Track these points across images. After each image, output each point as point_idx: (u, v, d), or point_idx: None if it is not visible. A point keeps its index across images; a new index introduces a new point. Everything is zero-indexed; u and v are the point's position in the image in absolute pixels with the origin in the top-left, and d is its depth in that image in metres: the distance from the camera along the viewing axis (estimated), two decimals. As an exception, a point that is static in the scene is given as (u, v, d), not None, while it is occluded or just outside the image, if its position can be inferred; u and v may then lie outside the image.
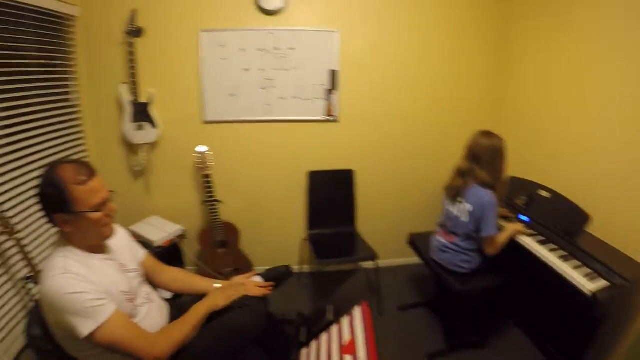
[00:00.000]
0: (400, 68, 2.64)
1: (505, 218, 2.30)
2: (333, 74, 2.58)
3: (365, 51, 2.60)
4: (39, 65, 2.15)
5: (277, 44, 2.52)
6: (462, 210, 2.01)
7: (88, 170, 1.21)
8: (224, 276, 2.49)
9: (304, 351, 1.40)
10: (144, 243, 2.39)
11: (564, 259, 1.85)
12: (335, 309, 1.94)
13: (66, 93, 2.42)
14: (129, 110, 2.46)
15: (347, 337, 1.37)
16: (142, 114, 2.48)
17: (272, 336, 1.59)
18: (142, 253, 1.59)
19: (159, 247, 2.41)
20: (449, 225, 2.12)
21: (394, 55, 2.62)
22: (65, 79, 2.41)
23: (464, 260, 2.06)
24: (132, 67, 2.42)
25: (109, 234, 1.29)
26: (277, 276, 1.84)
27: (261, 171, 2.68)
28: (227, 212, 2.62)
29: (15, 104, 1.94)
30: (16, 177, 1.91)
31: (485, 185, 1.94)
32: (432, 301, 2.56)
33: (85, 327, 1.10)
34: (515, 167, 2.82)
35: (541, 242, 2.03)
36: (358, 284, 2.78)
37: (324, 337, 1.43)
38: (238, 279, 1.67)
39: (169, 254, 2.48)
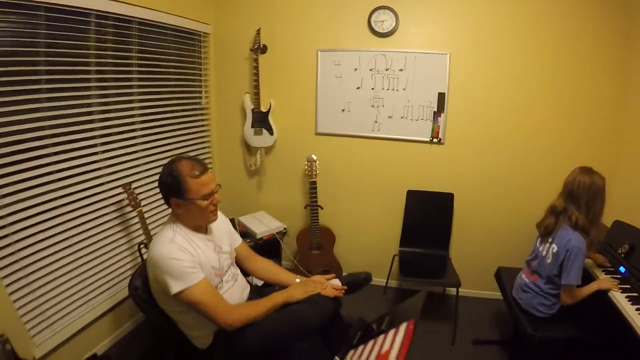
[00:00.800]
0: (512, 95, 2.57)
1: (602, 267, 2.16)
2: (441, 97, 2.62)
3: (475, 75, 2.58)
4: (177, 73, 2.59)
5: (388, 65, 2.63)
6: (548, 250, 1.93)
7: (201, 166, 1.47)
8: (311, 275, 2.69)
9: (350, 352, 1.54)
10: (248, 233, 2.72)
11: None
12: (391, 320, 2.00)
13: (198, 97, 2.81)
14: (250, 116, 2.76)
15: (386, 347, 1.47)
16: (261, 121, 2.77)
17: (334, 332, 1.75)
18: (238, 240, 1.83)
19: (260, 239, 2.70)
20: (533, 265, 2.05)
21: (505, 80, 2.56)
22: (199, 86, 2.80)
23: (542, 303, 1.97)
24: (256, 80, 2.72)
25: (213, 219, 1.55)
26: (356, 281, 2.03)
27: (363, 184, 2.83)
28: (326, 218, 2.83)
29: (155, 103, 2.43)
30: (148, 162, 2.40)
31: (579, 228, 1.82)
32: (507, 341, 2.46)
33: (176, 286, 1.34)
34: (624, 210, 2.65)
35: (632, 299, 1.86)
36: (439, 308, 2.81)
37: (370, 343, 1.55)
38: (317, 277, 1.83)
39: (269, 246, 2.77)
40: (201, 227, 1.56)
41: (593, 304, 1.94)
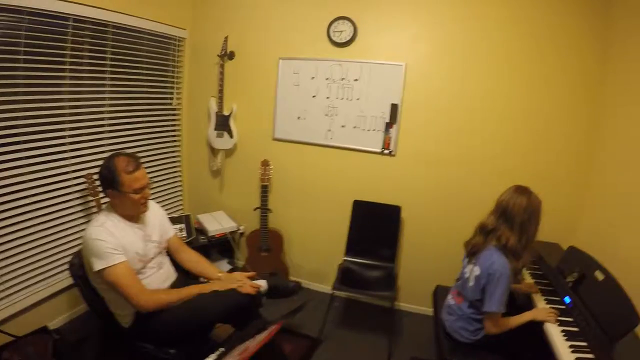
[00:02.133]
0: (467, 111, 2.51)
1: (546, 295, 2.04)
2: (394, 108, 2.60)
3: (430, 88, 2.55)
4: (150, 74, 2.76)
5: (344, 75, 2.66)
6: (471, 272, 1.84)
7: (135, 163, 1.62)
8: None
9: (237, 347, 1.57)
10: (203, 231, 2.84)
11: None
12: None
13: (170, 98, 2.99)
14: (214, 119, 2.90)
15: (250, 345, 1.51)
16: (223, 124, 2.89)
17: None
18: (171, 232, 1.96)
19: (213, 237, 2.81)
20: (458, 286, 1.96)
21: (462, 96, 2.50)
22: (171, 87, 2.98)
23: (465, 328, 1.87)
24: (221, 84, 2.85)
25: (143, 211, 1.73)
26: (282, 287, 2.09)
27: (315, 191, 2.86)
28: (278, 221, 2.89)
29: (126, 102, 2.62)
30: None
31: (509, 250, 1.70)
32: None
33: (98, 264, 1.50)
34: (583, 236, 2.50)
35: (568, 335, 1.74)
36: (384, 322, 2.75)
37: (250, 341, 1.58)
38: (238, 275, 1.90)
39: (222, 245, 2.89)
40: (133, 216, 1.71)
41: (524, 334, 1.83)
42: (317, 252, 2.95)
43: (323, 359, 2.39)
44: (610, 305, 1.74)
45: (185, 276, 1.98)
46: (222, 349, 1.50)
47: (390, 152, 2.65)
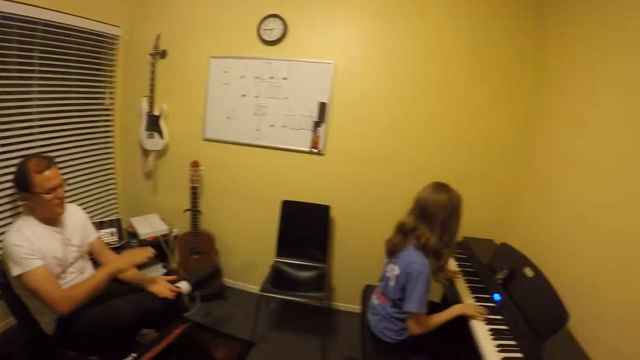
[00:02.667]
0: (397, 108, 2.50)
1: (476, 293, 2.02)
2: (322, 107, 2.57)
3: (359, 87, 2.53)
4: (81, 73, 2.67)
5: (273, 73, 2.62)
6: (392, 271, 1.81)
7: (46, 163, 1.61)
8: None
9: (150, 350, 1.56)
10: (133, 234, 2.78)
11: None
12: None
13: (103, 97, 2.90)
14: (144, 119, 2.83)
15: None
16: (154, 124, 2.83)
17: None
18: (92, 236, 1.92)
19: (144, 240, 2.74)
20: (382, 285, 1.93)
21: (393, 94, 2.50)
22: (103, 86, 2.90)
23: (389, 328, 1.84)
24: (151, 84, 2.79)
25: (59, 212, 1.68)
26: (204, 276, 2.11)
27: (245, 191, 2.82)
28: (210, 223, 2.84)
29: (56, 102, 2.53)
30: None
31: (429, 250, 1.69)
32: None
33: (15, 270, 1.48)
34: (519, 233, 2.49)
35: (495, 333, 1.70)
36: (320, 322, 2.72)
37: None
38: (160, 278, 1.92)
39: (155, 249, 2.78)
40: (50, 219, 1.67)
41: (451, 333, 1.80)
42: (251, 253, 2.91)
43: None
44: (539, 303, 1.72)
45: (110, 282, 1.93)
46: (134, 355, 1.49)
47: (318, 151, 2.62)
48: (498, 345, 1.60)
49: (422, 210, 1.71)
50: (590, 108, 1.87)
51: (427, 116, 2.49)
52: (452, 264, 2.37)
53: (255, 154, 2.73)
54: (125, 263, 1.77)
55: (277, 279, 2.52)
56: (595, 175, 1.78)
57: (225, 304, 2.88)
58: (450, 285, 2.17)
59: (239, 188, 2.82)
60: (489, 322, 1.76)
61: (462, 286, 2.13)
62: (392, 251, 1.82)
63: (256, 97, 2.67)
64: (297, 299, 2.39)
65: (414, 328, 1.72)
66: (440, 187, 1.73)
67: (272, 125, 2.67)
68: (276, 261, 2.68)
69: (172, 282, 1.97)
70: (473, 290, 2.07)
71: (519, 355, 1.55)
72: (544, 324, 1.59)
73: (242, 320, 2.55)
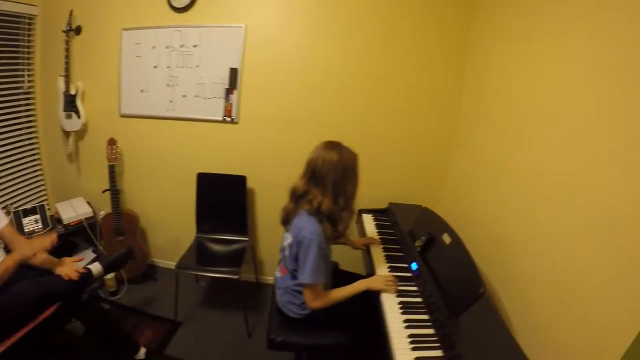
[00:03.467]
0: (316, 70, 2.38)
1: (392, 261, 1.89)
2: (233, 73, 2.45)
3: (273, 49, 2.40)
4: None
5: (183, 41, 2.51)
6: (287, 240, 1.66)
7: None
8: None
9: None
10: (57, 219, 2.70)
11: (415, 343, 1.36)
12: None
13: (22, 81, 2.82)
14: (62, 100, 2.74)
15: None
16: (71, 104, 2.73)
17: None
18: (2, 223, 1.85)
19: (68, 225, 2.66)
20: (282, 256, 1.80)
21: (309, 54, 2.37)
22: (22, 69, 2.80)
23: (291, 302, 1.71)
24: (66, 62, 2.68)
25: None
26: (117, 259, 2.05)
27: (164, 166, 2.72)
28: (133, 202, 2.75)
29: None
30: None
31: (323, 215, 1.52)
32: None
33: None
34: (446, 200, 2.38)
35: (406, 307, 1.55)
36: (248, 295, 2.63)
37: None
38: (67, 260, 1.89)
39: (80, 233, 2.73)
40: None
41: (361, 307, 1.68)
42: (177, 230, 2.81)
43: (182, 341, 2.29)
44: (455, 273, 1.58)
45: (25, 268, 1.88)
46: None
47: (232, 119, 2.50)
48: (406, 321, 1.47)
49: (312, 172, 1.57)
50: (513, 65, 1.80)
51: (349, 77, 2.37)
52: (373, 231, 2.24)
53: (170, 127, 2.62)
54: (31, 250, 1.71)
55: (197, 255, 2.43)
56: (523, 135, 1.67)
57: (155, 284, 2.80)
58: (367, 253, 2.04)
59: (158, 164, 2.72)
60: (402, 294, 1.63)
61: (378, 254, 2.01)
62: (286, 219, 1.68)
63: (168, 67, 2.56)
64: (210, 274, 2.30)
65: (311, 301, 1.59)
66: (331, 145, 1.58)
67: (184, 96, 2.56)
68: (197, 237, 2.57)
69: (88, 263, 1.95)
70: (389, 259, 1.95)
71: (429, 331, 1.42)
72: (458, 297, 1.46)
73: (171, 300, 2.46)
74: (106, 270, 2.01)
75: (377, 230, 2.26)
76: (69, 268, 1.83)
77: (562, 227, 1.34)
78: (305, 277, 1.52)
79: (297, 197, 1.61)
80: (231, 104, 2.48)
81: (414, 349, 1.33)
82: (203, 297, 2.68)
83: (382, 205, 2.45)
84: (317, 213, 1.53)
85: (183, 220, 2.71)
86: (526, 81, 1.68)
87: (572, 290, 1.26)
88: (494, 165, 1.91)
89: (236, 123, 2.50)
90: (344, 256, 2.28)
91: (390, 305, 1.56)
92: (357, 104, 2.40)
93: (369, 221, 2.37)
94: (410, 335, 1.39)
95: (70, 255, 2.61)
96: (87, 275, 1.88)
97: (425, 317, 1.50)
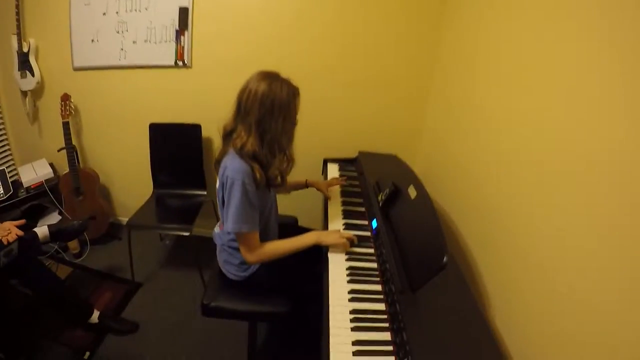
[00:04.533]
0: (277, 11, 2.19)
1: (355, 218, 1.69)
2: (183, 12, 2.27)
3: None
4: None
5: (130, -18, 2.32)
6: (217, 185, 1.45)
7: None
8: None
9: None
10: (20, 183, 2.62)
11: (358, 321, 1.12)
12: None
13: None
14: (15, 59, 2.61)
15: None
16: (24, 63, 2.61)
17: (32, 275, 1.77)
18: None
19: (29, 188, 2.56)
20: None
21: None
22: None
23: (228, 261, 1.52)
24: (17, 18, 2.55)
25: None
26: (68, 229, 1.95)
27: (118, 120, 2.58)
28: (92, 159, 2.63)
29: None
30: None
31: (246, 155, 1.31)
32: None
33: None
34: (423, 149, 2.24)
35: (354, 275, 1.31)
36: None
37: None
38: (7, 224, 1.77)
39: (43, 196, 2.63)
40: None
41: (313, 267, 1.48)
42: (137, 186, 2.64)
43: (140, 303, 2.19)
44: (417, 236, 1.32)
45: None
46: None
47: (184, 63, 2.32)
48: (352, 291, 1.23)
49: (239, 106, 1.36)
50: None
51: (319, 18, 2.18)
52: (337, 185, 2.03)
53: (122, 77, 2.46)
54: None
55: (151, 211, 2.30)
56: (502, 80, 1.46)
57: (120, 243, 2.69)
58: (325, 209, 1.82)
59: (113, 117, 2.58)
60: (353, 257, 1.39)
61: (335, 208, 1.79)
62: (217, 160, 1.44)
63: (117, 13, 2.39)
64: (159, 231, 2.16)
65: (247, 255, 1.40)
66: (264, 75, 1.35)
67: (134, 42, 2.39)
68: (154, 192, 2.43)
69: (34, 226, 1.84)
70: (348, 214, 1.71)
71: (378, 306, 1.17)
72: (417, 267, 1.21)
73: (135, 260, 2.35)
74: (53, 238, 1.89)
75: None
76: (14, 232, 1.72)
77: (552, 184, 1.10)
78: (229, 224, 1.32)
79: (225, 135, 1.42)
80: (183, 46, 2.30)
81: (354, 328, 1.08)
82: (167, 255, 2.55)
83: (353, 154, 2.24)
84: (241, 154, 1.33)
85: (143, 176, 2.56)
86: (506, 28, 1.47)
87: (571, 261, 0.98)
88: (475, 112, 1.70)
89: (189, 67, 2.33)
90: (305, 211, 2.10)
91: (337, 270, 1.32)
92: (326, 47, 2.22)
93: (334, 171, 2.18)
94: (353, 311, 1.15)
95: (36, 220, 2.56)
96: (29, 238, 1.77)
97: (377, 288, 1.25)
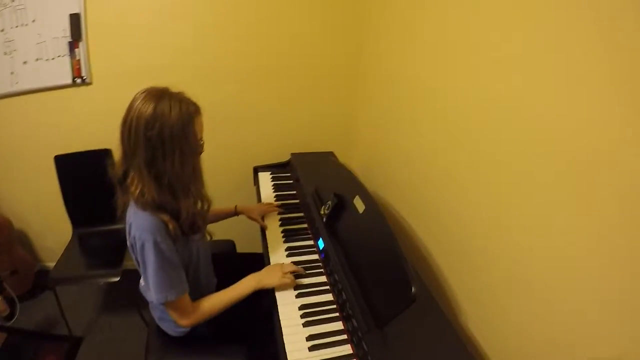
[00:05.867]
0: (190, 9, 1.87)
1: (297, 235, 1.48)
2: (75, 19, 1.91)
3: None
4: None
5: (13, -7, 1.97)
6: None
7: None
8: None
9: None
10: None
11: None
12: None
13: None
14: None
15: None
16: None
17: None
18: None
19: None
20: None
21: None
22: None
23: (162, 318, 1.28)
24: None
25: None
26: None
27: (21, 155, 2.15)
28: (5, 206, 2.27)
29: None
30: None
31: (148, 206, 1.03)
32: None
33: None
34: (362, 143, 2.02)
35: (309, 315, 1.14)
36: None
37: None
38: None
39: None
40: None
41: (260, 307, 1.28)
42: (56, 226, 2.25)
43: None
44: (374, 259, 1.15)
45: None
46: None
47: (83, 80, 1.97)
48: (310, 337, 1.05)
49: (122, 144, 1.04)
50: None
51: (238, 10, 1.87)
52: (270, 195, 1.71)
53: (17, 105, 2.07)
54: None
55: (74, 256, 1.97)
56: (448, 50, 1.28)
57: (52, 294, 2.34)
58: (262, 237, 1.54)
59: (14, 154, 2.17)
60: (304, 290, 1.21)
61: (274, 229, 1.53)
62: (122, 211, 1.15)
63: (2, 30, 2.03)
64: (87, 281, 1.83)
65: (181, 320, 1.14)
66: (148, 96, 1.01)
67: (25, 63, 2.02)
68: (74, 232, 2.09)
69: None
70: (288, 235, 1.48)
71: (342, 350, 1.03)
72: (381, 299, 1.05)
73: (75, 310, 2.09)
74: None
75: (275, 194, 1.72)
76: None
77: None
78: (152, 294, 1.08)
79: (119, 181, 1.10)
80: (79, 60, 1.95)
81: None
82: (102, 298, 2.25)
83: (285, 157, 1.91)
84: (143, 205, 1.04)
85: (61, 213, 2.21)
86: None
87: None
88: (416, 89, 1.50)
89: (89, 84, 1.97)
90: (242, 233, 1.77)
91: (289, 314, 1.13)
92: (248, 46, 1.96)
93: (266, 181, 1.83)
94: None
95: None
96: None
97: (338, 326, 1.10)
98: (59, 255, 1.97)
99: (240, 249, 1.86)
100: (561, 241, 0.83)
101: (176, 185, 1.05)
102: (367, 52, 1.93)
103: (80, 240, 2.08)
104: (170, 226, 1.04)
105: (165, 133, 0.98)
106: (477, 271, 1.16)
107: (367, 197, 1.25)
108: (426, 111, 1.43)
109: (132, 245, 1.10)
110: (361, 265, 1.18)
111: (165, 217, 1.04)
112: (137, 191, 1.02)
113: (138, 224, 1.04)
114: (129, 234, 1.08)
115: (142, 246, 1.03)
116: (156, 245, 1.02)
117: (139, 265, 1.12)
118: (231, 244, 1.81)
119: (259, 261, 1.39)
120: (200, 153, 1.11)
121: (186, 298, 1.13)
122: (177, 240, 1.08)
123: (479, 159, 1.12)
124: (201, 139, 1.10)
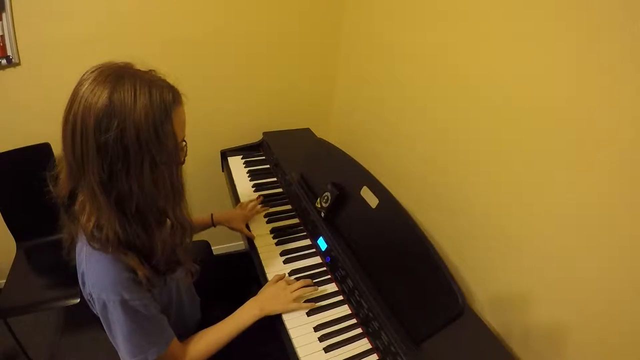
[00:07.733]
0: None
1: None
2: (-11, -15, 1.52)
3: None
4: None
5: None
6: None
7: None
8: None
9: None
10: None
11: None
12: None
13: None
14: None
15: None
16: None
17: None
18: None
19: None
20: None
21: None
22: None
23: None
24: None
25: None
26: None
27: None
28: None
29: None
30: None
31: (111, 246, 0.73)
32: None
33: None
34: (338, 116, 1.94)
35: (327, 335, 0.97)
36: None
37: None
38: None
39: None
40: None
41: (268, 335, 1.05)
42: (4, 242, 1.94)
43: None
44: (400, 263, 0.95)
45: None
46: None
47: (9, 60, 1.59)
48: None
49: (65, 151, 0.72)
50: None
51: None
52: (247, 185, 1.46)
53: None
54: None
55: (25, 276, 1.64)
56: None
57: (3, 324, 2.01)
58: (250, 247, 1.26)
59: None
60: (315, 310, 1.04)
61: (263, 236, 1.25)
62: (68, 248, 0.85)
63: None
64: (42, 308, 1.52)
65: None
66: (105, 76, 0.67)
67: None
68: (19, 248, 1.75)
69: None
70: (279, 236, 1.23)
71: None
72: (416, 310, 0.89)
73: (36, 338, 1.84)
74: None
75: (252, 183, 1.46)
76: None
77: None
78: (127, 355, 0.80)
79: (64, 205, 0.79)
80: (2, 35, 1.57)
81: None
82: (64, 317, 1.97)
83: (256, 137, 1.66)
84: (102, 243, 0.73)
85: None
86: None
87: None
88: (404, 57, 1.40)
89: (18, 64, 1.60)
90: (216, 229, 1.49)
91: (301, 334, 0.95)
92: (214, 10, 1.65)
93: (238, 167, 1.56)
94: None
95: None
96: None
97: (364, 346, 0.94)
98: (5, 276, 1.63)
99: (216, 245, 1.60)
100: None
101: (147, 213, 0.75)
102: (347, 16, 1.76)
103: (27, 255, 1.74)
104: (141, 273, 0.75)
105: (128, 136, 0.65)
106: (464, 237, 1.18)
107: (379, 189, 1.03)
108: (406, 74, 1.39)
109: (89, 302, 0.82)
110: (379, 271, 0.99)
111: (133, 261, 0.75)
112: (91, 224, 0.71)
113: (94, 277, 0.75)
114: (83, 284, 0.79)
115: (104, 308, 0.76)
116: (124, 304, 0.75)
117: (100, 321, 0.82)
118: (205, 245, 1.53)
119: (242, 263, 1.15)
120: (181, 163, 0.79)
121: (173, 347, 0.87)
122: (153, 287, 0.80)
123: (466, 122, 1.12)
124: (183, 140, 0.77)
